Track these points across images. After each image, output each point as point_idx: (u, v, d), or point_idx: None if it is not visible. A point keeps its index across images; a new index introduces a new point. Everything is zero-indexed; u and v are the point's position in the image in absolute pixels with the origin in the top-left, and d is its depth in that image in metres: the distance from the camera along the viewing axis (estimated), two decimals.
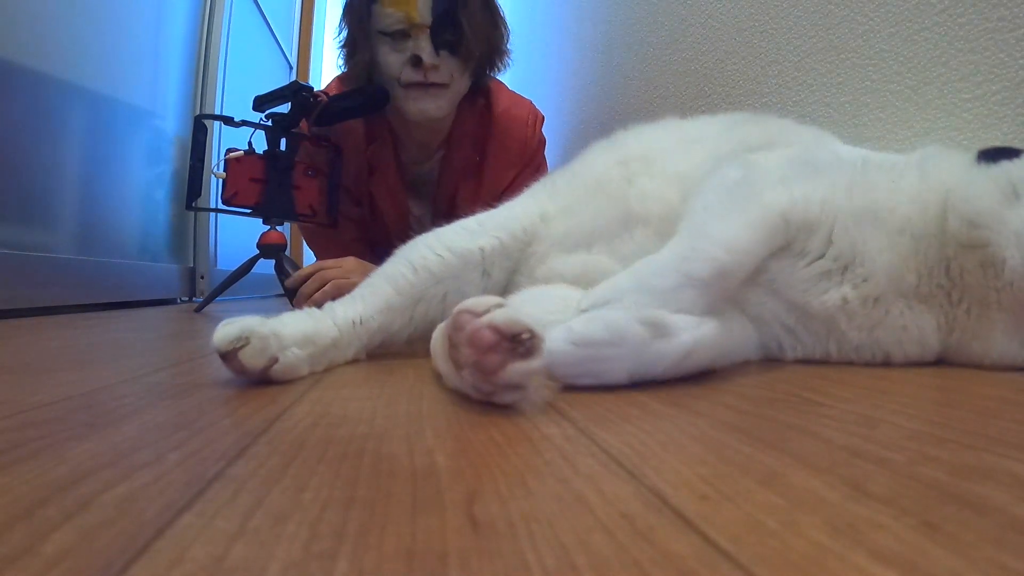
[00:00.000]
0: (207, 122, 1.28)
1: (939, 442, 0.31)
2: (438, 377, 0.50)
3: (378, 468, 0.28)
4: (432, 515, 0.22)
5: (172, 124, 2.05)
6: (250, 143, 1.23)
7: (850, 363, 0.58)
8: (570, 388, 0.46)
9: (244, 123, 1.23)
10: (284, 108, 1.24)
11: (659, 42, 1.50)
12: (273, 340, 0.49)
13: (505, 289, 0.70)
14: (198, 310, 1.44)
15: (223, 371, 0.48)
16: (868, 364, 0.58)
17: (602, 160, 0.76)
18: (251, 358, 0.47)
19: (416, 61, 1.13)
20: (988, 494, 0.24)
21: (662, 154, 0.71)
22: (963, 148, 0.60)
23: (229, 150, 1.22)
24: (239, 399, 0.43)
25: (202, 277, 2.20)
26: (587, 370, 0.45)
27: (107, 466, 0.28)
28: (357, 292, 0.63)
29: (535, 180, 0.85)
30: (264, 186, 1.23)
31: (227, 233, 2.40)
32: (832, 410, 0.39)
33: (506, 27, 1.26)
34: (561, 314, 0.60)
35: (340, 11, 1.21)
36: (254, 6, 2.77)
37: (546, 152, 1.43)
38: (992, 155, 0.56)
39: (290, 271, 1.18)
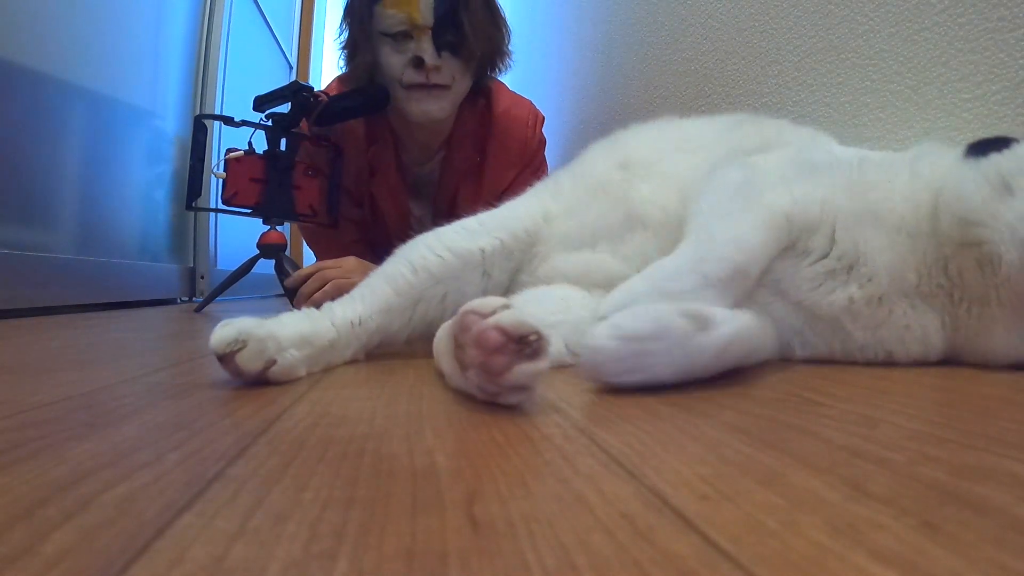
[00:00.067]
0: (207, 122, 1.28)
1: (939, 442, 0.31)
2: (441, 377, 0.50)
3: (378, 468, 0.28)
4: (432, 515, 0.22)
5: (172, 124, 2.05)
6: (250, 143, 1.23)
7: (853, 363, 0.58)
8: (574, 385, 0.45)
9: (244, 123, 1.23)
10: (284, 108, 1.24)
11: (659, 42, 1.50)
12: (270, 342, 0.49)
13: (507, 289, 0.70)
14: (198, 310, 1.44)
15: (223, 371, 0.48)
16: (871, 364, 0.57)
17: (603, 161, 0.75)
18: (248, 360, 0.47)
19: (418, 62, 1.13)
20: (988, 494, 0.24)
21: (661, 158, 0.71)
22: (960, 145, 0.60)
23: (229, 150, 1.21)
24: (239, 399, 0.43)
25: (202, 277, 2.20)
26: (635, 365, 0.43)
27: (107, 466, 0.28)
28: (356, 292, 0.63)
29: (535, 180, 0.85)
30: (264, 186, 1.23)
31: (227, 233, 2.40)
32: (832, 410, 0.39)
33: (507, 28, 1.26)
34: (563, 315, 0.60)
35: (340, 12, 1.21)
36: (254, 6, 2.77)
37: (546, 152, 1.43)
38: (981, 148, 0.56)
39: (290, 271, 1.18)
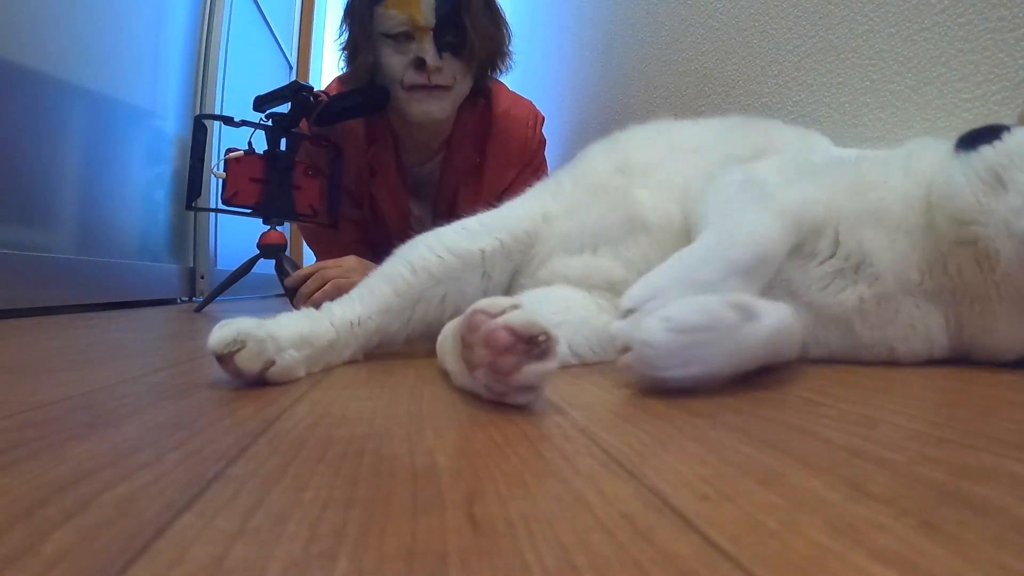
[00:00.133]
0: (207, 122, 1.28)
1: (939, 442, 0.31)
2: (445, 376, 0.50)
3: (378, 468, 0.28)
4: (432, 515, 0.22)
5: (172, 124, 2.05)
6: (250, 143, 1.23)
7: (859, 362, 0.58)
8: (574, 385, 0.45)
9: (244, 123, 1.23)
10: (284, 108, 1.24)
11: (659, 42, 1.50)
12: (269, 343, 0.48)
13: (506, 290, 0.70)
14: (198, 310, 1.44)
15: (222, 372, 0.48)
16: (877, 363, 0.57)
17: (602, 164, 0.75)
18: (247, 361, 0.47)
19: (419, 63, 1.13)
20: (988, 494, 0.24)
21: (659, 164, 0.70)
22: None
23: (229, 150, 1.22)
24: (239, 399, 0.43)
25: (202, 277, 2.20)
26: (690, 358, 0.42)
27: (107, 466, 0.28)
28: (355, 292, 0.62)
29: (535, 180, 0.85)
30: (264, 186, 1.23)
31: (227, 233, 2.40)
32: (832, 410, 0.39)
33: (508, 28, 1.26)
34: (564, 315, 0.60)
35: (341, 12, 1.21)
36: (254, 6, 2.77)
37: (546, 152, 1.43)
38: (971, 140, 0.55)
39: (290, 271, 1.18)
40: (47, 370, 0.55)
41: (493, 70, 1.27)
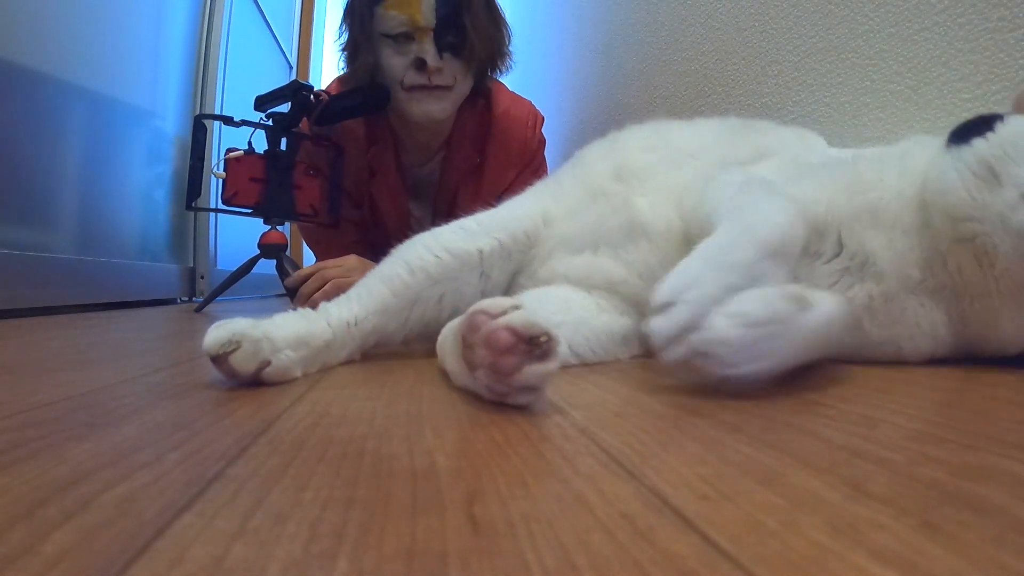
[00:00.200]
0: (207, 122, 1.28)
1: (939, 442, 0.31)
2: (444, 376, 0.50)
3: (378, 468, 0.28)
4: (432, 515, 0.22)
5: (172, 124, 2.05)
6: (250, 143, 1.23)
7: (863, 360, 0.58)
8: (574, 385, 0.45)
9: (244, 123, 1.23)
10: (284, 108, 1.24)
11: (659, 42, 1.50)
12: (265, 343, 0.48)
13: (505, 291, 0.70)
14: (198, 310, 1.44)
15: (217, 372, 0.48)
16: (882, 361, 0.57)
17: (600, 166, 0.75)
18: (242, 362, 0.47)
19: (420, 64, 1.13)
20: (988, 494, 0.24)
21: (657, 168, 0.70)
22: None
23: (229, 150, 1.21)
24: (239, 399, 0.43)
25: (202, 277, 2.20)
26: (759, 351, 0.42)
27: (107, 466, 0.28)
28: (352, 292, 0.62)
29: (535, 180, 0.85)
30: (264, 186, 1.23)
31: (227, 233, 2.40)
32: (832, 410, 0.39)
33: (508, 29, 1.26)
34: (564, 315, 0.60)
35: (341, 12, 1.21)
36: (254, 6, 2.77)
37: (546, 152, 1.43)
38: (963, 133, 0.54)
39: (290, 271, 1.18)
40: (47, 370, 0.55)
41: (493, 70, 1.27)
